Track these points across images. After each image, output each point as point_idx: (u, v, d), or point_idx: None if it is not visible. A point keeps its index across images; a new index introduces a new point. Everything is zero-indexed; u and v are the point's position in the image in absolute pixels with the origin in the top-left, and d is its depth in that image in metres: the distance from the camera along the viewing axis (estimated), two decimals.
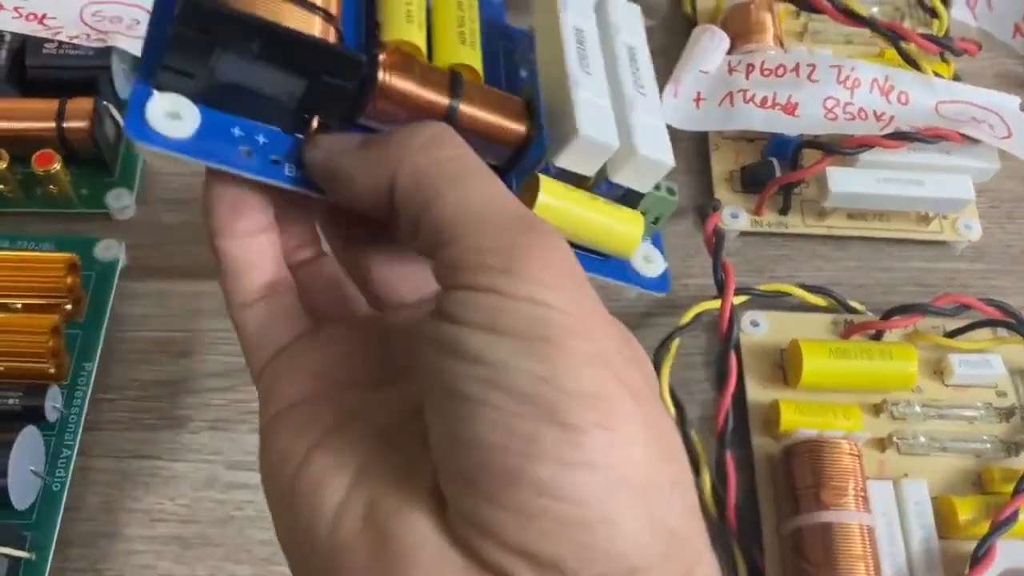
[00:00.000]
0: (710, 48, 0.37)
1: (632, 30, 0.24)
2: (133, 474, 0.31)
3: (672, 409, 0.32)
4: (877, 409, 0.33)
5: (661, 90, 0.37)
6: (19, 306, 0.32)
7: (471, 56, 0.22)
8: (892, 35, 0.37)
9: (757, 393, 0.33)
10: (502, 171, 0.22)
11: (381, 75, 0.20)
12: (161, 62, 0.19)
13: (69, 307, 0.33)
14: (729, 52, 0.38)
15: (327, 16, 0.19)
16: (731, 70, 0.37)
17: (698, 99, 0.37)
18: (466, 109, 0.20)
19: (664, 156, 0.21)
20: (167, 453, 0.31)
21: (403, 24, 0.21)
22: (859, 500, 0.29)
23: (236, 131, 0.20)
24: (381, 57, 0.20)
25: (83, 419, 0.31)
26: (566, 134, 0.21)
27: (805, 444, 0.30)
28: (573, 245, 0.20)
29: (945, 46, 0.38)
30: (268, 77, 0.19)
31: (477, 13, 0.23)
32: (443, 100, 0.20)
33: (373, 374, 0.20)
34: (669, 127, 0.33)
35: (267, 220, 0.21)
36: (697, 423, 0.33)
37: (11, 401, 0.30)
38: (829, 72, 0.36)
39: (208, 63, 0.18)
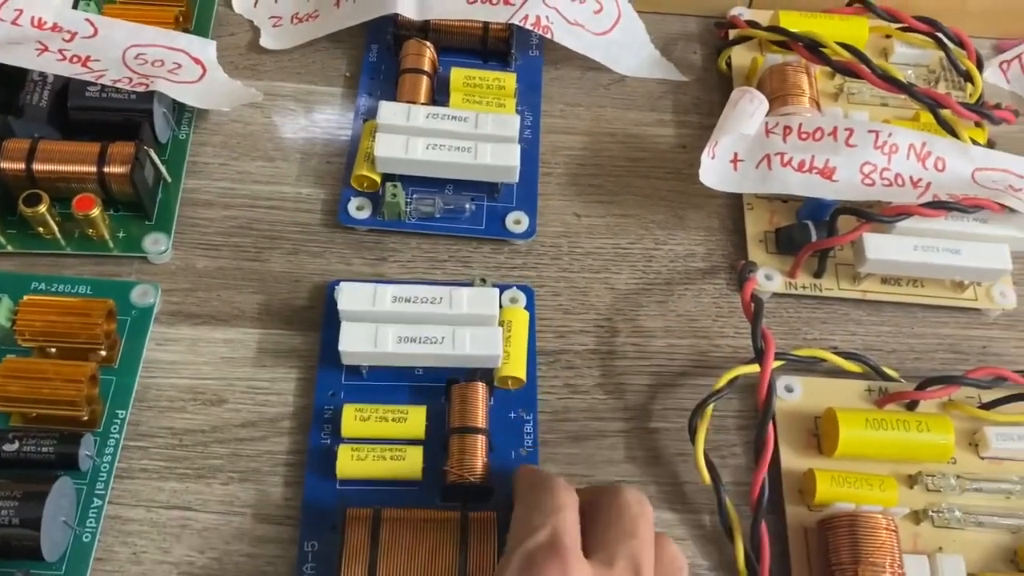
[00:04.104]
0: (749, 111, 0.37)
1: None
2: (163, 525, 0.31)
3: (707, 476, 0.31)
4: (912, 480, 0.33)
5: (700, 151, 0.37)
6: (53, 351, 0.32)
7: None
8: (931, 102, 0.37)
9: (791, 460, 0.33)
10: None
11: None
12: None
13: (104, 353, 0.33)
14: (766, 112, 0.38)
15: None
16: (768, 132, 0.37)
17: (735, 160, 0.37)
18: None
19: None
20: (198, 504, 0.31)
21: None
22: None
23: None
24: None
25: (115, 468, 0.31)
26: None
27: (842, 519, 0.30)
28: None
29: (985, 115, 0.38)
30: None
31: None
32: None
33: None
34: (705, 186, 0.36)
35: None
36: (731, 489, 0.32)
37: (45, 449, 0.30)
38: (867, 137, 0.37)
39: None
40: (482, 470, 0.31)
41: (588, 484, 0.32)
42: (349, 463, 0.31)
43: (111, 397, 0.32)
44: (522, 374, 0.33)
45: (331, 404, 0.33)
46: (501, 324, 0.34)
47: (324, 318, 0.35)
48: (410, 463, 0.31)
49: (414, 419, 0.32)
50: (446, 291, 0.33)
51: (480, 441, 0.31)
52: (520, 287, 0.36)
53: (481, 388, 0.32)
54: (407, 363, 0.33)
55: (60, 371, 0.31)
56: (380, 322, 0.32)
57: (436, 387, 0.33)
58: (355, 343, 0.32)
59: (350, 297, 0.33)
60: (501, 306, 0.34)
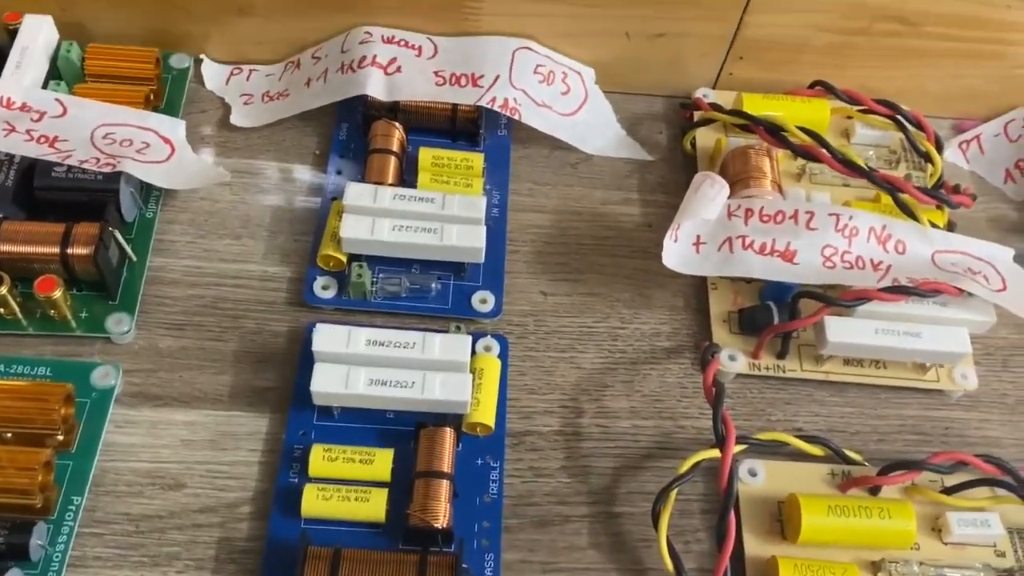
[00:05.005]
0: (710, 196, 0.37)
1: None
2: None
3: (670, 565, 0.31)
4: (876, 567, 0.32)
5: (663, 234, 0.37)
6: (9, 435, 0.32)
7: None
8: (889, 187, 0.38)
9: (754, 547, 0.33)
10: None
11: None
12: None
13: (61, 437, 0.32)
14: (728, 195, 0.38)
15: None
16: (730, 215, 0.38)
17: (698, 243, 0.37)
18: None
19: None
20: None
21: None
22: None
23: None
24: None
25: (68, 557, 0.30)
26: None
27: None
28: None
29: (943, 200, 0.39)
30: None
31: None
32: None
33: None
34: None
35: None
36: None
37: None
38: (827, 220, 0.37)
39: None
40: (445, 515, 0.31)
41: (551, 572, 0.32)
42: (314, 502, 0.31)
43: (67, 482, 0.32)
44: (491, 421, 0.34)
45: (301, 443, 0.33)
46: (473, 371, 0.34)
47: (300, 359, 0.35)
48: (374, 505, 0.31)
49: (381, 462, 0.32)
50: (419, 336, 0.34)
51: (444, 486, 0.32)
52: (494, 335, 0.36)
53: (449, 433, 0.33)
54: (377, 406, 0.34)
55: (14, 459, 0.30)
56: (353, 364, 0.33)
57: (406, 431, 0.34)
58: (327, 384, 0.33)
59: (325, 338, 0.33)
60: (475, 353, 0.35)
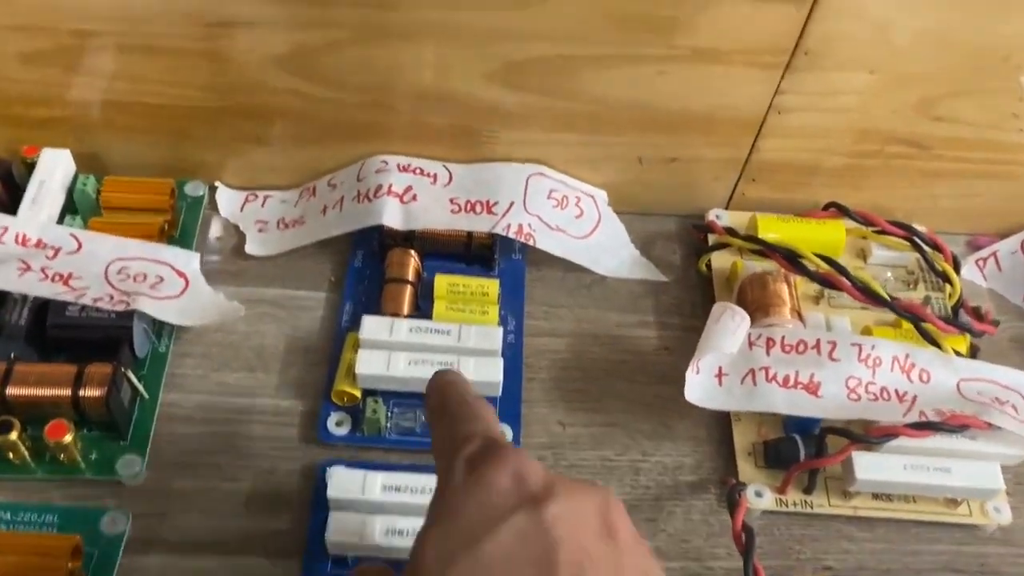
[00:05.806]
0: (731, 328, 0.37)
1: None
2: None
3: None
4: None
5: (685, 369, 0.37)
6: None
7: None
8: (912, 317, 0.37)
9: None
10: None
11: None
12: None
13: None
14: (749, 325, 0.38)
15: None
16: (751, 344, 0.37)
17: (720, 375, 0.37)
18: None
19: None
20: None
21: None
22: None
23: None
24: None
25: None
26: None
27: None
28: None
29: (966, 329, 0.38)
30: None
31: None
32: None
33: None
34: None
35: None
36: None
37: None
38: (850, 350, 0.37)
39: None
40: None
41: None
42: None
43: None
44: None
45: None
46: None
47: (313, 501, 0.34)
48: None
49: None
50: (434, 478, 0.32)
51: None
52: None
53: None
54: (395, 556, 0.32)
55: None
56: (370, 511, 0.32)
57: None
58: (342, 534, 0.32)
59: (340, 484, 0.32)
60: None
